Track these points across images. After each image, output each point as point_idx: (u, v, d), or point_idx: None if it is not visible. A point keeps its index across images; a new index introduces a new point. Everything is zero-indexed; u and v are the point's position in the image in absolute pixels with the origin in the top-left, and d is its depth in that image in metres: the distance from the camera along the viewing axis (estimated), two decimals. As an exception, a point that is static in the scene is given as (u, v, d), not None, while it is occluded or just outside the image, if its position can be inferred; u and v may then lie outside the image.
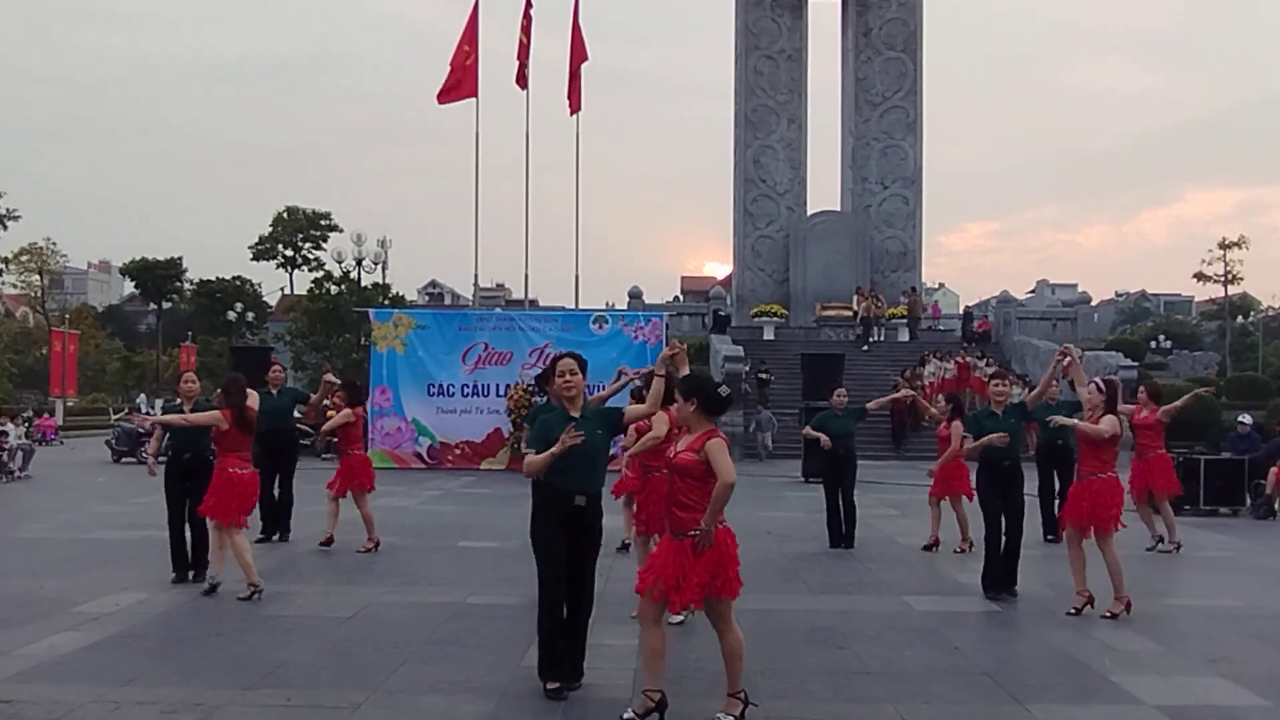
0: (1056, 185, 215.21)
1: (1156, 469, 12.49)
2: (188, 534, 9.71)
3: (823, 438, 12.20)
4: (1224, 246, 65.04)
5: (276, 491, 12.33)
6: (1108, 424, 8.48)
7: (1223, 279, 65.93)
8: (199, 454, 9.56)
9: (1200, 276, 67.26)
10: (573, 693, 6.14)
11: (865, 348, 35.58)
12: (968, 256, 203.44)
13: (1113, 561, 8.57)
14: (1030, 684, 6.55)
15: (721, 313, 35.45)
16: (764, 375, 29.09)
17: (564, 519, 6.09)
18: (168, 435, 10.32)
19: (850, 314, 37.93)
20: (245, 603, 8.66)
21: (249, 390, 9.33)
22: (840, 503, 12.27)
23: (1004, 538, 9.37)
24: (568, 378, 6.20)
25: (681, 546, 5.48)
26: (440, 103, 33.83)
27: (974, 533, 12.04)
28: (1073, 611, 8.53)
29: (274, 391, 12.41)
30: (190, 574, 9.59)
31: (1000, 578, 9.34)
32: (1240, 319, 69.46)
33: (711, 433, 5.56)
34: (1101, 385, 8.75)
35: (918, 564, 11.31)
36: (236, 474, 9.02)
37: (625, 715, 5.53)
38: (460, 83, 33.63)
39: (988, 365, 30.07)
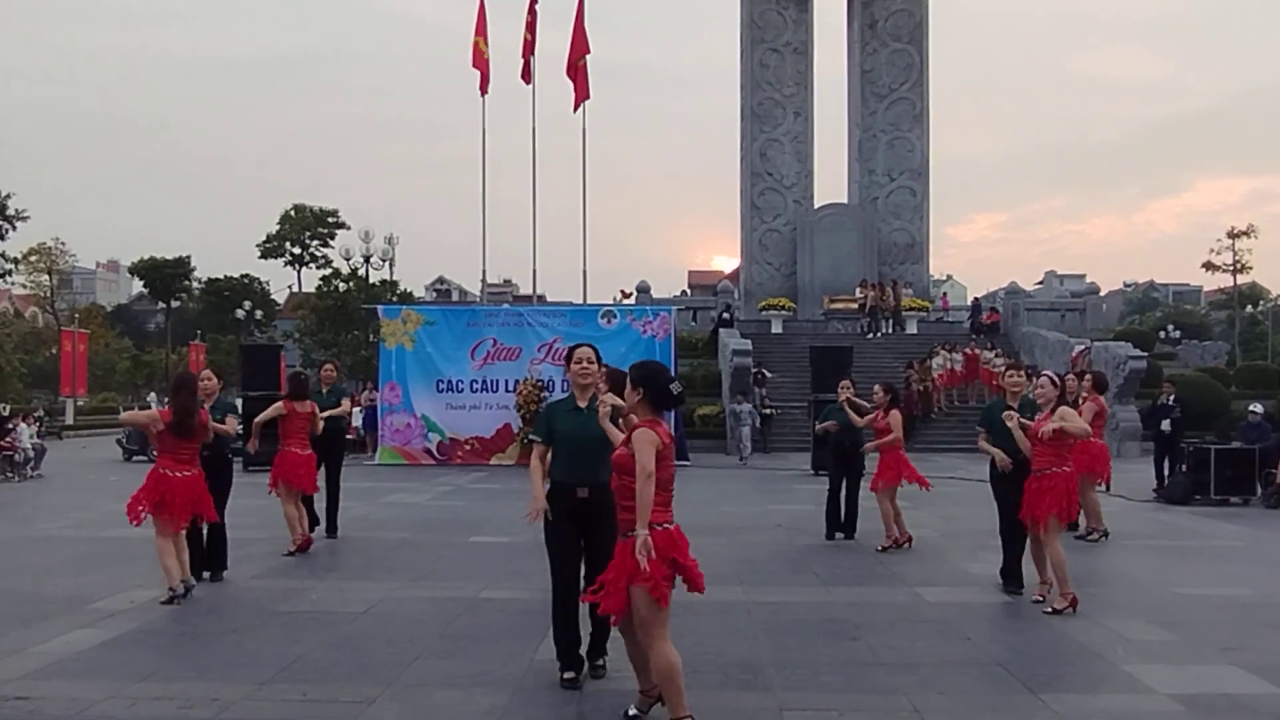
0: (1065, 176, 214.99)
1: (1096, 455, 12.44)
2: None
3: (830, 424, 12.38)
4: (1233, 236, 65.01)
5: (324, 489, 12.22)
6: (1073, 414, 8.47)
7: (1232, 268, 65.85)
8: (218, 452, 9.47)
9: (1209, 266, 67.27)
10: (597, 681, 6.23)
11: (870, 336, 35.65)
12: (976, 248, 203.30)
13: (1054, 555, 8.42)
14: (1043, 674, 6.56)
15: (726, 314, 35.42)
16: (759, 372, 29.06)
17: (571, 512, 6.15)
18: None
19: (857, 306, 37.91)
20: (251, 599, 8.71)
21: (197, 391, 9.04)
22: (845, 493, 12.33)
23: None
24: (584, 365, 6.31)
25: (626, 547, 5.29)
26: (483, 93, 34.00)
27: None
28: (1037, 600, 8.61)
29: (324, 390, 12.43)
30: (206, 573, 9.47)
31: (1022, 578, 9.15)
32: (1249, 308, 69.27)
33: (652, 424, 5.36)
34: (1055, 379, 8.76)
35: (929, 555, 11.31)
36: (170, 476, 8.64)
37: (630, 713, 5.57)
38: (482, 74, 33.82)
39: (997, 356, 30.07)
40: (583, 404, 6.25)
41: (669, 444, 5.42)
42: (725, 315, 35.25)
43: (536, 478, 6.22)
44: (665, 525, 5.29)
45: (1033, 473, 8.57)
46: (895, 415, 11.83)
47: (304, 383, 11.71)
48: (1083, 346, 30.05)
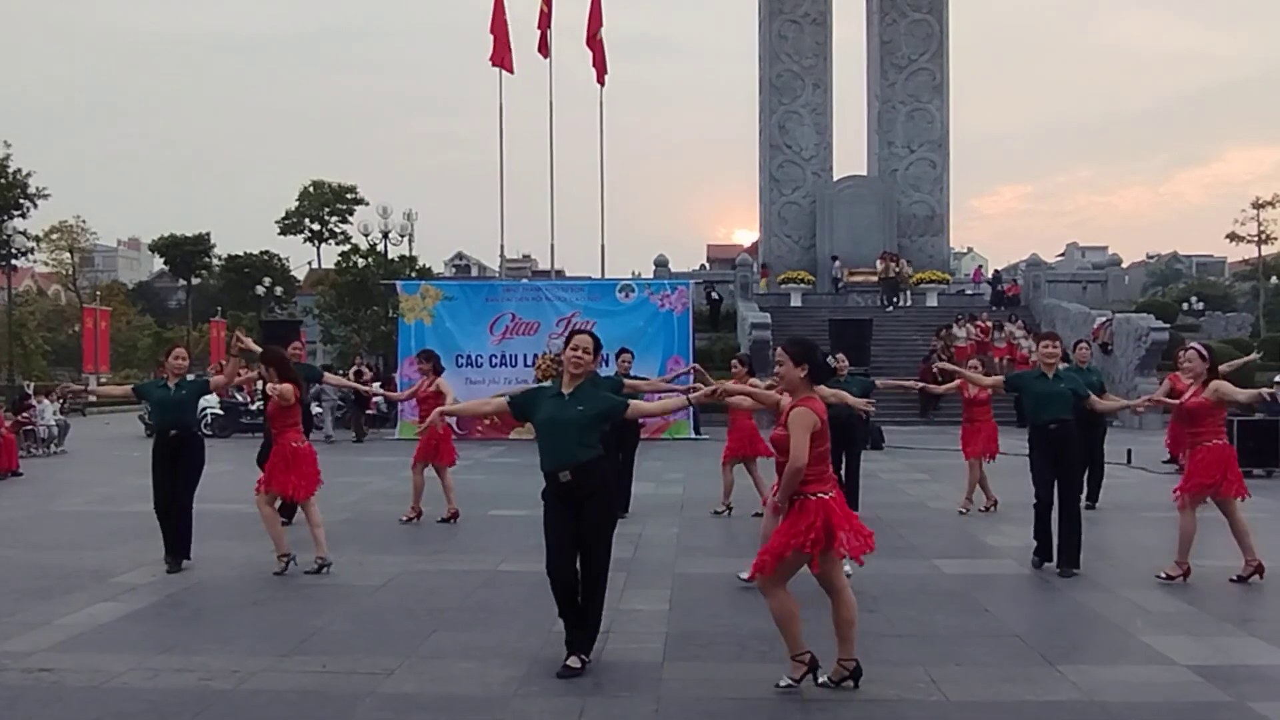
0: (1092, 147, 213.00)
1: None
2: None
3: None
4: (1258, 206, 64.18)
5: None
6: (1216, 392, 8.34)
7: (1256, 239, 65.10)
8: (186, 430, 9.22)
9: (1233, 237, 66.42)
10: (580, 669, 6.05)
11: (890, 309, 35.56)
12: (1001, 220, 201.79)
13: (1237, 524, 8.57)
14: (1061, 645, 6.55)
15: (715, 295, 35.03)
16: (715, 296, 29.07)
17: (559, 495, 6.05)
18: (152, 410, 9.65)
19: (877, 279, 37.78)
20: (271, 573, 8.74)
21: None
22: (844, 468, 12.26)
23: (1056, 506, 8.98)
24: (580, 353, 6.20)
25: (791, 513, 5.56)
26: (494, 63, 33.81)
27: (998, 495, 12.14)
28: (1162, 577, 8.39)
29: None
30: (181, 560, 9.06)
31: (1050, 549, 8.89)
32: (1274, 279, 68.50)
33: (806, 400, 5.55)
34: (1204, 352, 8.57)
35: (947, 528, 11.29)
36: (301, 449, 8.98)
37: (781, 683, 5.61)
38: (503, 48, 33.70)
39: (1018, 329, 29.95)
40: (567, 391, 6.14)
41: (824, 417, 5.58)
42: (714, 296, 34.94)
43: (474, 403, 6.30)
44: (821, 495, 5.48)
45: (1191, 447, 8.63)
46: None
47: (437, 356, 12.13)
48: (1104, 318, 29.88)
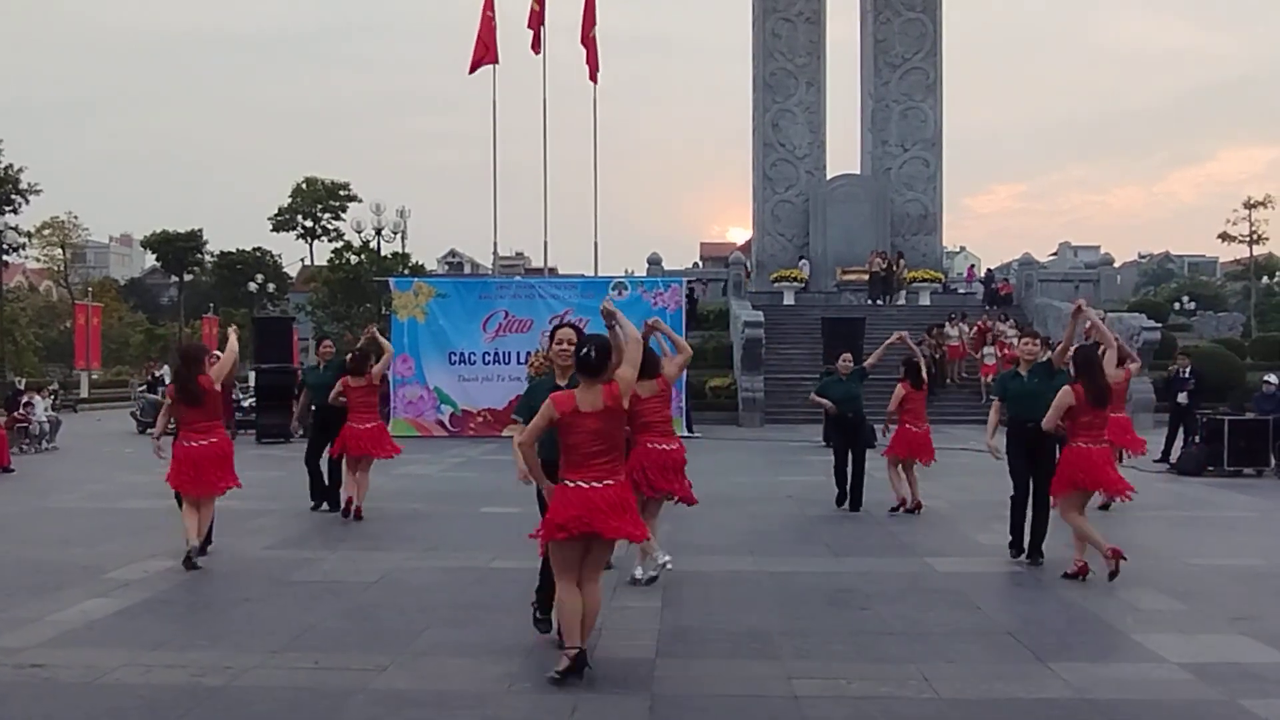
0: (1087, 146, 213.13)
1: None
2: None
3: (827, 404, 12.27)
4: (1249, 206, 64.43)
5: (327, 463, 12.12)
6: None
7: (1248, 239, 65.35)
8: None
9: (1225, 237, 66.70)
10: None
11: (875, 301, 35.71)
12: (995, 219, 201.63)
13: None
14: (1053, 643, 6.56)
15: (696, 295, 34.94)
16: (696, 296, 29.53)
17: None
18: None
19: (867, 278, 37.80)
20: (264, 569, 8.71)
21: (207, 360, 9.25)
22: (850, 465, 12.26)
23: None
24: (565, 345, 6.27)
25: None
26: (470, 72, 33.72)
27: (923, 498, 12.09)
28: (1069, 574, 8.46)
29: (321, 366, 12.44)
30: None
31: (1024, 543, 9.14)
32: (1266, 279, 68.85)
33: (565, 392, 5.82)
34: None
35: (939, 526, 11.30)
36: (190, 447, 8.87)
37: (549, 675, 5.69)
38: (486, 49, 33.54)
39: (1010, 328, 29.98)
40: (563, 383, 6.20)
41: (565, 410, 5.62)
42: (695, 295, 34.85)
43: (527, 454, 6.08)
44: (569, 482, 5.65)
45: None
46: (896, 389, 11.98)
47: (363, 358, 11.93)
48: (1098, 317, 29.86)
